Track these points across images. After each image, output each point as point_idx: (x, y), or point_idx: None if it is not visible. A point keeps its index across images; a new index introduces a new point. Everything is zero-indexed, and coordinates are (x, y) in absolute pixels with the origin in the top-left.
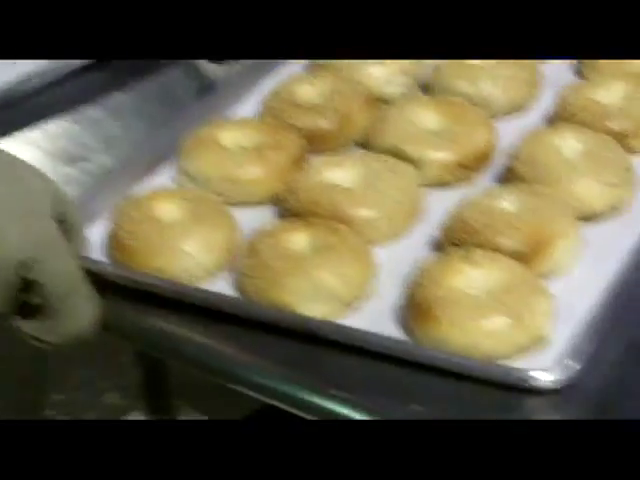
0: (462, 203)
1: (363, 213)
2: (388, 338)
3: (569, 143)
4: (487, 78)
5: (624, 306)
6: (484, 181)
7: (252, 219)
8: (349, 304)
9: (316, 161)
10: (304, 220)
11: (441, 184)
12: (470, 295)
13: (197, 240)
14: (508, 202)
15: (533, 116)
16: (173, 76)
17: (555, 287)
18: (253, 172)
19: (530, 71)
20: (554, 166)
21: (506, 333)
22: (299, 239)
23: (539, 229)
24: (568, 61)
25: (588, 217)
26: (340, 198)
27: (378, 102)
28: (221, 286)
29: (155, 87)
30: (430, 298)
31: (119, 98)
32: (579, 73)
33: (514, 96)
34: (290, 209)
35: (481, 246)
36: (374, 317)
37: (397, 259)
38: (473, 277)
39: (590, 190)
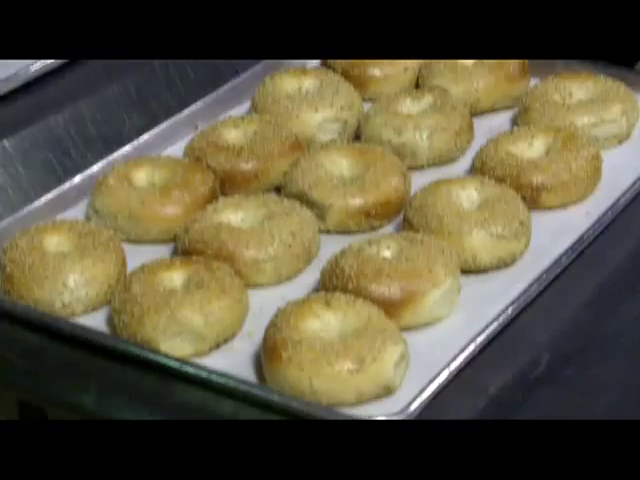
0: (344, 249)
1: (247, 254)
2: (226, 376)
3: (467, 193)
4: (413, 128)
5: (485, 360)
6: (388, 230)
7: (148, 257)
8: (215, 343)
9: (220, 202)
10: (184, 258)
11: (344, 231)
12: (320, 339)
13: (77, 274)
14: (387, 250)
15: (458, 168)
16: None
17: (421, 337)
18: (153, 211)
19: (462, 121)
20: (445, 216)
21: (346, 378)
22: (175, 276)
23: (411, 278)
24: (510, 111)
25: (475, 269)
26: (226, 238)
27: (305, 148)
28: (98, 320)
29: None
30: (279, 339)
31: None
32: (517, 124)
33: (441, 147)
34: (182, 247)
35: (353, 292)
36: (238, 357)
37: (277, 301)
38: (328, 321)
39: (478, 242)
